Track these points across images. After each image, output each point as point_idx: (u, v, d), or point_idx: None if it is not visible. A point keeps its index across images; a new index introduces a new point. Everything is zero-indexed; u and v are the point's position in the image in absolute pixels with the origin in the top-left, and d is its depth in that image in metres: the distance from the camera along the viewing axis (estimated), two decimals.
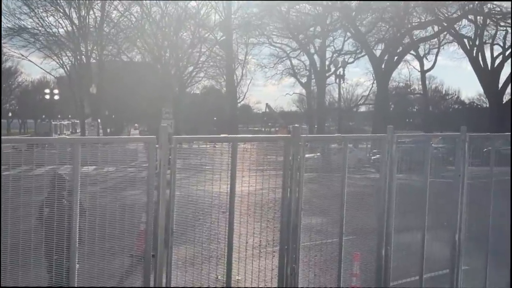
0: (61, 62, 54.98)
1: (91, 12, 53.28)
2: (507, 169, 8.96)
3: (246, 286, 6.15)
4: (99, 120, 53.80)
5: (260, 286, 6.25)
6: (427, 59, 63.68)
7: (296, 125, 6.59)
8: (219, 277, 6.00)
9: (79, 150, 5.13)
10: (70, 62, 55.32)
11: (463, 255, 8.08)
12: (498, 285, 8.63)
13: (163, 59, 53.46)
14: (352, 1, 51.98)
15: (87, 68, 53.37)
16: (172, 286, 5.76)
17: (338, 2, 51.85)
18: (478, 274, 8.44)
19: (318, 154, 11.57)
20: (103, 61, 54.38)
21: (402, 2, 48.72)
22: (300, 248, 6.55)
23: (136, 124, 77.08)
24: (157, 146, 5.41)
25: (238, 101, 62.71)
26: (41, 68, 74.81)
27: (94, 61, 54.69)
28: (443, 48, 61.74)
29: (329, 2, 52.42)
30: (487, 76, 52.28)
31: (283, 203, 6.41)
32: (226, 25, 53.53)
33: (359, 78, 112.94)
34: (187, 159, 6.06)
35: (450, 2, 49.29)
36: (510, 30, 51.89)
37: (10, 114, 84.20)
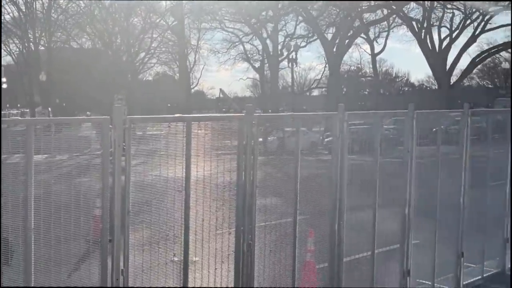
0: (8, 49, 53.46)
1: None
2: (454, 148, 9.32)
3: (203, 263, 6.26)
4: (49, 109, 52.62)
5: (217, 264, 6.36)
6: (377, 42, 64.79)
7: (249, 104, 6.68)
8: (175, 257, 6.07)
9: (32, 132, 5.09)
10: (17, 50, 53.84)
11: (413, 230, 8.38)
12: (446, 258, 9.00)
13: (114, 46, 52.62)
14: None
15: (35, 56, 52.04)
16: (129, 268, 5.80)
17: None
18: (427, 248, 8.77)
19: (274, 137, 11.73)
20: (52, 48, 53.11)
21: None
22: (255, 228, 6.69)
23: (88, 112, 75.69)
24: (110, 126, 5.40)
25: (192, 87, 62.47)
26: None
27: (42, 48, 53.37)
28: (392, 31, 62.95)
29: None
30: (435, 58, 53.57)
31: (238, 185, 6.51)
32: (178, 10, 52.98)
33: (311, 62, 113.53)
34: (142, 140, 6.08)
35: None
36: (456, 13, 53.24)
37: None
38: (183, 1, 53.71)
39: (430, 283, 8.76)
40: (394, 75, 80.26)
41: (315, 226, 7.79)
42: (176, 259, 6.15)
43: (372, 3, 53.56)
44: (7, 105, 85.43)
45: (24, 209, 5.23)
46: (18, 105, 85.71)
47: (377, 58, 67.43)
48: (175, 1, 53.76)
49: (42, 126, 5.91)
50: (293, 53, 49.33)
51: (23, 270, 5.30)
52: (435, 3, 53.57)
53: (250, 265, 6.59)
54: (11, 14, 51.43)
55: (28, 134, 5.08)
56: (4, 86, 58.52)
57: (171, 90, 61.38)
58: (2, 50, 52.76)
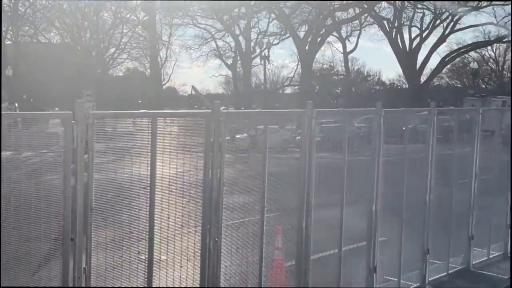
0: None
1: None
2: (423, 147, 9.39)
3: (168, 262, 6.18)
4: (16, 105, 51.53)
5: (182, 262, 6.29)
6: (349, 41, 65.25)
7: (217, 101, 6.62)
8: (142, 256, 5.99)
9: None
10: None
11: (380, 228, 8.44)
12: (412, 254, 9.09)
13: (83, 40, 51.91)
14: None
15: (1, 50, 50.99)
16: (92, 267, 5.70)
17: None
18: (394, 245, 8.84)
19: (245, 135, 11.67)
20: (19, 42, 52.13)
21: None
22: (222, 225, 6.64)
23: (56, 108, 74.50)
24: (73, 122, 5.30)
25: (163, 83, 62.04)
26: None
27: (9, 42, 52.34)
28: (364, 30, 63.44)
29: None
30: (406, 57, 54.19)
31: (204, 182, 6.44)
32: (149, 5, 52.50)
33: (284, 60, 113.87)
34: (106, 136, 5.97)
35: None
36: (426, 13, 53.92)
37: None
38: None
39: (396, 279, 8.83)
40: (365, 74, 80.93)
41: (283, 224, 7.78)
42: (143, 257, 6.08)
43: (344, 2, 53.91)
44: None
45: None
46: None
47: (349, 56, 67.96)
48: None
49: (7, 122, 5.76)
50: (266, 51, 49.48)
51: None
52: (406, 2, 54.15)
53: (217, 263, 6.54)
54: None
55: None
56: None
57: (142, 86, 60.82)
58: None
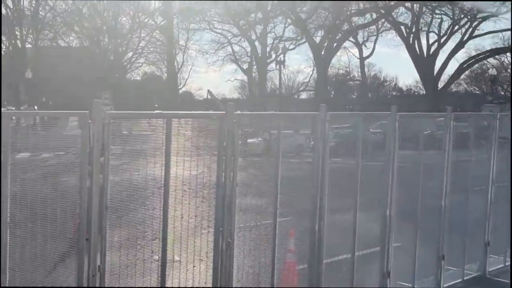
0: None
1: None
2: (439, 152, 9.34)
3: (181, 262, 6.23)
4: (35, 107, 52.17)
5: (195, 262, 6.33)
6: (365, 46, 65.02)
7: (230, 102, 6.66)
8: (155, 256, 6.04)
9: (8, 125, 5.03)
10: (4, 47, 53.35)
11: (394, 233, 8.40)
12: (426, 260, 9.03)
13: (102, 44, 52.34)
14: None
15: (22, 53, 51.64)
16: (107, 267, 5.76)
17: None
18: (408, 250, 8.80)
19: (260, 139, 11.74)
20: (39, 46, 52.73)
21: None
22: (235, 228, 6.66)
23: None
24: (90, 121, 5.36)
25: (179, 87, 62.26)
26: None
27: (29, 46, 52.97)
28: (381, 36, 63.13)
29: None
30: (423, 63, 53.86)
31: (218, 184, 6.48)
32: (166, 10, 52.83)
33: (300, 65, 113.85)
34: (121, 136, 6.03)
35: None
36: (445, 18, 53.62)
37: None
38: (172, 1, 53.58)
39: (410, 285, 8.78)
40: (382, 79, 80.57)
41: (295, 227, 7.79)
42: (156, 257, 6.12)
43: (361, 6, 53.73)
44: None
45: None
46: (5, 103, 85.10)
47: (366, 62, 67.73)
48: (164, 1, 53.60)
49: (26, 123, 5.85)
50: (282, 56, 49.44)
51: None
52: (424, 8, 53.86)
53: (229, 264, 6.57)
54: None
55: (4, 128, 5.02)
56: None
57: (159, 90, 61.14)
58: None
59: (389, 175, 8.26)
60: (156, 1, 54.37)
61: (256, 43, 58.16)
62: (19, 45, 51.67)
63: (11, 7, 50.73)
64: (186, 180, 6.25)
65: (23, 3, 51.34)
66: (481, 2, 49.54)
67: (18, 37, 51.47)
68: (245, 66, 63.42)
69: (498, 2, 47.85)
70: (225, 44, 60.68)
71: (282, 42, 57.04)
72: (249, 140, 8.02)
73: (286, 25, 57.74)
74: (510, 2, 43.77)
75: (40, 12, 51.72)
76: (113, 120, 5.56)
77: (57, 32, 52.50)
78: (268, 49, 57.93)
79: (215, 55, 61.08)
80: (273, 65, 57.30)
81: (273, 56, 56.12)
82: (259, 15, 56.18)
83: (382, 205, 8.28)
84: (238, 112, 6.94)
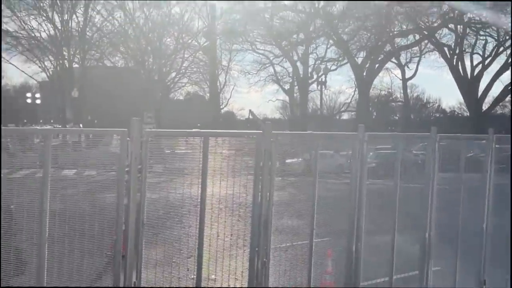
0: (44, 66, 54.69)
1: (74, 17, 53.12)
2: (481, 175, 9.13)
3: (216, 280, 6.24)
4: (81, 125, 53.44)
5: (230, 281, 6.34)
6: (408, 67, 64.31)
7: (268, 122, 6.69)
8: (190, 272, 6.07)
9: (50, 142, 5.17)
10: (52, 67, 55.03)
11: (434, 257, 8.23)
12: (467, 285, 8.79)
13: (146, 65, 53.41)
14: (335, 9, 52.48)
15: (69, 73, 53.11)
16: (142, 284, 5.82)
17: (321, 10, 52.28)
18: (448, 275, 8.59)
19: (300, 159, 11.69)
20: (85, 65, 54.16)
21: (384, 10, 49.22)
22: (271, 248, 6.65)
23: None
24: (128, 139, 5.46)
25: (221, 107, 62.83)
26: (23, 72, 74.28)
27: (76, 65, 54.44)
28: (424, 57, 62.39)
29: (312, 10, 52.80)
30: (467, 85, 52.94)
31: (254, 204, 6.49)
32: (210, 31, 53.63)
33: (341, 85, 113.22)
34: (160, 154, 6.12)
35: (431, 11, 49.95)
36: (489, 39, 52.70)
37: None
38: (216, 22, 54.34)
39: None
40: (425, 100, 79.45)
41: (332, 248, 7.72)
42: (193, 276, 6.16)
43: (404, 27, 53.36)
44: (40, 121, 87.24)
45: (39, 222, 5.29)
46: (52, 121, 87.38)
47: (408, 83, 66.90)
48: (208, 22, 54.42)
49: (71, 141, 6.01)
50: (323, 76, 49.38)
51: (36, 282, 5.35)
52: (468, 29, 53.09)
53: (264, 284, 6.54)
54: (47, 32, 52.73)
55: (46, 145, 5.17)
56: (38, 101, 59.82)
57: (201, 110, 61.83)
58: (38, 67, 54.18)
59: (428, 197, 8.12)
60: (200, 23, 55.16)
61: (298, 63, 58.34)
62: (66, 65, 53.15)
63: (60, 27, 52.36)
64: (222, 199, 6.29)
65: (71, 24, 52.97)
66: None
67: (66, 57, 52.98)
68: (286, 87, 63.57)
69: None
70: (267, 65, 61.06)
71: (324, 62, 57.03)
72: (288, 160, 8.02)
73: (328, 46, 57.77)
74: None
75: (87, 33, 53.23)
76: (151, 138, 5.65)
77: (103, 53, 53.86)
78: (309, 69, 58.00)
79: (257, 76, 61.48)
80: (314, 85, 57.28)
81: (315, 76, 56.08)
82: (301, 36, 56.40)
83: (421, 228, 8.13)
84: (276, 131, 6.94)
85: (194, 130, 6.48)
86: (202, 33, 54.78)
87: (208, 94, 60.13)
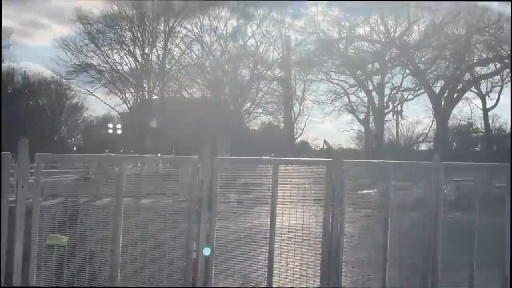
0: (125, 97, 56.90)
1: (154, 50, 55.18)
2: None
3: None
4: (159, 155, 54.80)
5: None
6: (489, 97, 62.05)
7: (338, 149, 6.61)
8: None
9: (124, 169, 5.32)
10: (133, 98, 57.14)
11: None
12: None
13: (222, 95, 54.50)
14: (411, 38, 51.75)
15: (148, 104, 54.95)
16: None
17: (397, 39, 51.70)
18: None
19: (375, 190, 11.43)
20: (164, 97, 55.89)
21: (463, 39, 48.05)
22: (342, 280, 6.51)
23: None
24: (199, 166, 5.53)
25: (296, 137, 62.87)
26: (106, 103, 77.63)
27: (155, 97, 56.28)
28: (506, 86, 60.06)
29: (388, 39, 52.32)
30: None
31: (324, 233, 6.39)
32: (285, 61, 54.17)
33: (418, 115, 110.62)
34: (230, 181, 6.14)
35: None
36: None
37: (75, 149, 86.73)
38: (290, 53, 54.86)
39: None
40: (508, 131, 76.30)
41: (406, 282, 7.45)
42: None
43: (484, 56, 51.78)
44: (121, 150, 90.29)
45: (112, 249, 5.43)
46: (132, 151, 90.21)
47: (490, 113, 64.51)
48: (283, 53, 55.02)
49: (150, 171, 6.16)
50: (399, 106, 48.49)
51: None
52: None
53: None
54: (128, 65, 55.04)
55: (121, 171, 5.31)
56: (118, 132, 62.04)
57: (276, 140, 62.10)
58: (119, 98, 56.44)
59: (508, 233, 7.71)
60: (275, 54, 55.90)
61: (373, 93, 57.70)
62: (146, 97, 55.07)
63: (140, 60, 54.51)
64: (292, 228, 6.23)
65: (151, 57, 55.02)
66: None
67: (146, 89, 54.96)
68: (361, 116, 62.86)
69: None
70: (342, 95, 60.69)
71: (400, 92, 56.05)
72: (361, 192, 7.87)
73: (404, 75, 56.88)
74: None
75: (166, 65, 55.08)
76: (220, 166, 5.70)
77: (181, 84, 55.46)
78: (385, 99, 57.18)
79: (332, 105, 61.18)
80: (390, 115, 56.31)
81: (391, 106, 55.17)
82: (376, 66, 55.88)
83: (500, 265, 7.72)
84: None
85: (264, 157, 6.49)
86: (277, 64, 55.40)
87: (282, 124, 60.41)
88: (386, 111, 57.11)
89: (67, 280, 5.66)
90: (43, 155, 5.80)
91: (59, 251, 5.67)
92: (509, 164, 7.95)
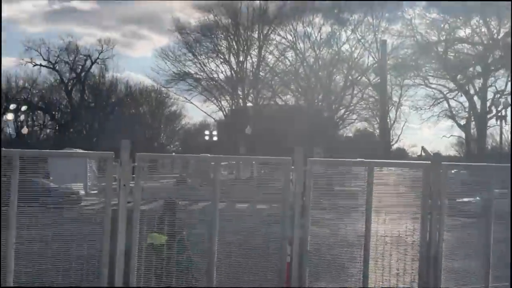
0: (220, 105, 58.18)
1: (249, 58, 56.05)
2: None
3: None
4: (253, 162, 55.42)
5: None
6: None
7: (437, 152, 6.37)
8: None
9: (218, 172, 5.40)
10: (228, 105, 58.33)
11: None
12: None
13: (316, 102, 54.36)
14: None
15: (243, 111, 55.83)
16: None
17: (501, 41, 49.34)
18: None
19: (478, 198, 10.93)
20: (258, 104, 56.58)
21: None
22: None
23: None
24: (292, 167, 5.52)
25: (392, 144, 61.44)
26: (202, 110, 79.70)
27: (250, 104, 57.13)
28: None
29: (491, 41, 50.05)
30: None
31: (421, 242, 6.17)
32: (380, 66, 53.17)
33: None
34: (322, 182, 6.07)
35: None
36: None
37: (173, 154, 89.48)
38: (386, 58, 53.78)
39: None
40: None
41: None
42: None
43: None
44: None
45: (208, 252, 5.53)
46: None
47: None
48: (378, 58, 54.08)
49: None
50: (503, 111, 46.19)
51: None
52: None
53: None
54: (224, 73, 56.30)
55: (215, 178, 5.39)
56: (214, 138, 63.46)
57: (371, 147, 61.03)
58: (215, 106, 57.81)
59: None
60: (370, 59, 55.07)
61: (475, 97, 55.33)
62: (241, 104, 56.01)
63: (235, 68, 55.58)
64: (387, 232, 6.07)
65: (246, 64, 55.95)
66: None
67: (241, 96, 55.93)
68: (462, 122, 60.41)
69: None
70: (441, 100, 58.66)
71: (504, 96, 53.37)
72: (461, 199, 7.54)
73: (509, 79, 54.09)
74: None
75: (261, 73, 55.77)
76: (313, 166, 5.66)
77: (275, 91, 55.89)
78: (488, 103, 54.66)
79: (430, 111, 59.26)
80: (493, 120, 53.71)
81: (494, 111, 52.65)
82: (478, 69, 53.57)
83: None
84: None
85: (358, 159, 6.38)
86: (372, 69, 54.55)
87: (378, 131, 59.28)
88: (488, 116, 54.55)
89: (166, 278, 5.82)
90: (143, 155, 6.05)
91: (159, 250, 5.86)
92: None
